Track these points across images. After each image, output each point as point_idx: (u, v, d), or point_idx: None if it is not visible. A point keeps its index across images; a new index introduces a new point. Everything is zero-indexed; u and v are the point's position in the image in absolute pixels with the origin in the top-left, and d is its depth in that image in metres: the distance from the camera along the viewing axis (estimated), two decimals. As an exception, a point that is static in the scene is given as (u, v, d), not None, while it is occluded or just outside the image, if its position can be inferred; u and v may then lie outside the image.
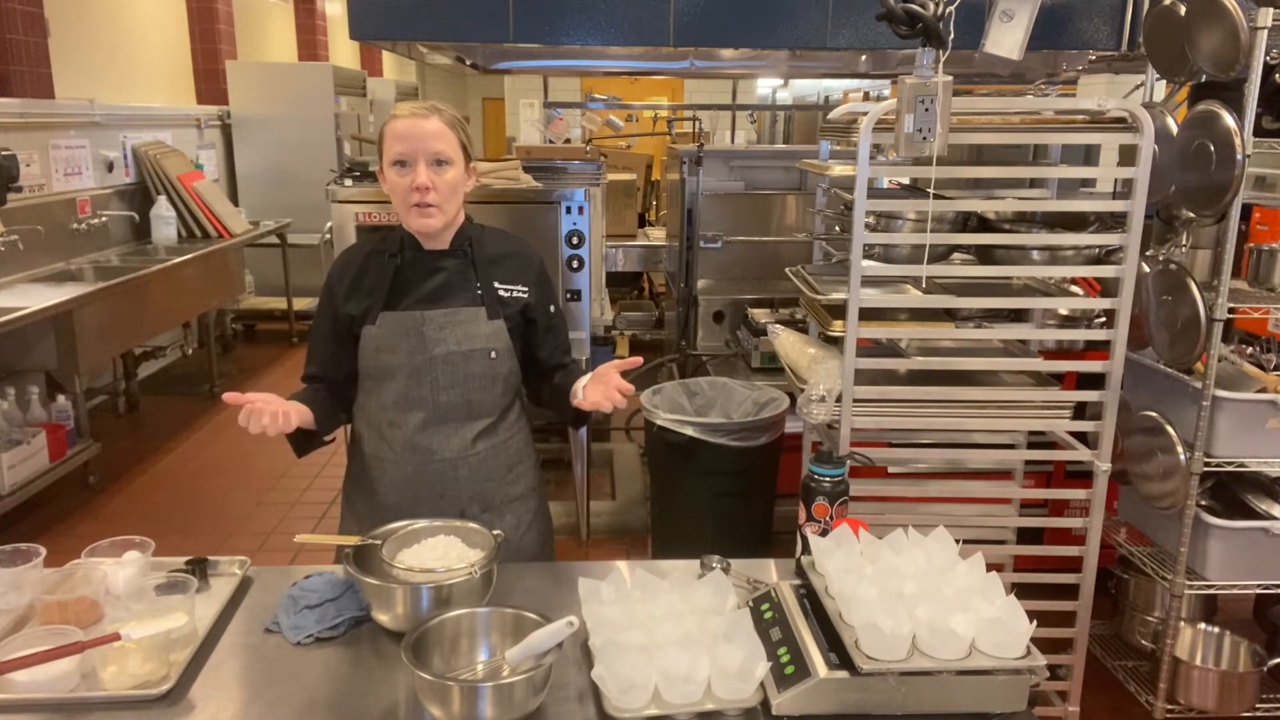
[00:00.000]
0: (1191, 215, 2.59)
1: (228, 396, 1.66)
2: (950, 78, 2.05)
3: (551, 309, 1.99)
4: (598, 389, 1.77)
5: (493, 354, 1.89)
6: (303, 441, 1.88)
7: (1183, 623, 2.73)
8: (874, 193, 2.45)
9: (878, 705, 1.34)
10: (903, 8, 2.01)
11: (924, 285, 2.54)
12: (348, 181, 3.48)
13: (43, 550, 1.64)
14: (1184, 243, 2.65)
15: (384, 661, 1.51)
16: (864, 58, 3.70)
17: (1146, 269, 2.61)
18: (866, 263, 2.34)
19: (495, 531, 1.68)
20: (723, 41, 3.03)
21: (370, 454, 1.95)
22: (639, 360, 1.82)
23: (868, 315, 2.32)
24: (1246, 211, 2.76)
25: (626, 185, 5.22)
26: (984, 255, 2.52)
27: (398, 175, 1.80)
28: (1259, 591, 2.63)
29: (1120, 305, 2.32)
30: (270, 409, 1.66)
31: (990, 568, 1.50)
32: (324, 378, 1.94)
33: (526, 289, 1.94)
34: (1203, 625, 2.82)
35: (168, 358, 6.30)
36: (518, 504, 2.00)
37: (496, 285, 1.91)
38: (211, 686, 1.44)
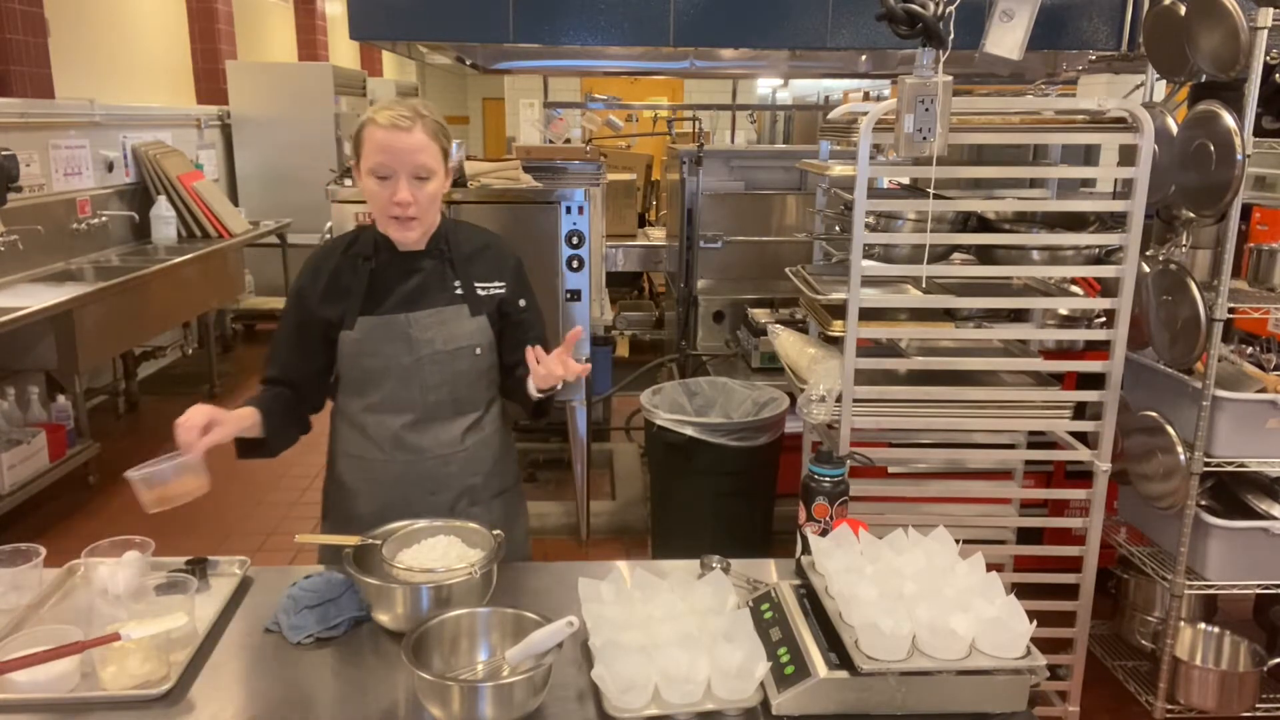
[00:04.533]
0: (1191, 215, 2.59)
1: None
2: (950, 78, 2.05)
3: (521, 303, 1.95)
4: (551, 363, 1.71)
5: (478, 350, 1.88)
6: (245, 448, 1.82)
7: (1183, 623, 2.73)
8: (874, 193, 2.45)
9: (878, 705, 1.34)
10: (903, 8, 2.00)
11: (924, 285, 2.54)
12: (348, 181, 3.48)
13: (43, 550, 1.65)
14: (1184, 243, 2.65)
15: (384, 661, 1.51)
16: (864, 58, 3.70)
17: (1146, 269, 2.60)
18: (866, 263, 2.34)
19: (495, 531, 1.68)
20: (723, 41, 3.04)
21: (355, 455, 1.92)
22: (579, 330, 1.77)
23: (868, 315, 2.32)
24: (1246, 211, 2.76)
25: (626, 185, 5.22)
26: (984, 255, 2.52)
27: (377, 185, 1.76)
28: (1259, 591, 2.63)
29: (1120, 305, 2.32)
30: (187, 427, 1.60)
31: (990, 568, 1.50)
32: (286, 380, 1.90)
33: (503, 284, 1.92)
34: (1203, 625, 2.82)
35: (168, 358, 6.29)
36: (508, 495, 2.00)
37: (475, 284, 1.89)
38: (211, 686, 1.44)
